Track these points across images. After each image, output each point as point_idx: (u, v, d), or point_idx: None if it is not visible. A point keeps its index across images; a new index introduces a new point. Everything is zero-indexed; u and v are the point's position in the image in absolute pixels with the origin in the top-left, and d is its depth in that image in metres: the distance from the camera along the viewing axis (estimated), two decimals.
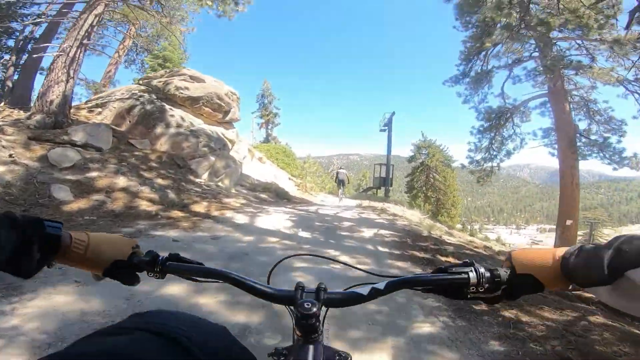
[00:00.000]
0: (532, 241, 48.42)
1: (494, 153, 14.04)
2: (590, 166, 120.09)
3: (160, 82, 10.53)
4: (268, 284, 0.59)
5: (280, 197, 10.76)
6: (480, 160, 14.24)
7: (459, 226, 23.52)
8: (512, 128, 13.84)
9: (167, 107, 9.60)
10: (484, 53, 12.97)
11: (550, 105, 12.88)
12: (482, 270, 0.53)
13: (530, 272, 0.51)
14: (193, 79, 10.88)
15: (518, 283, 0.52)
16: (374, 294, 0.54)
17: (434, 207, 23.87)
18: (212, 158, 9.10)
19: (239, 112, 12.53)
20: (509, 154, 14.04)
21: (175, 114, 9.52)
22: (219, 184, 8.94)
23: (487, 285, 0.52)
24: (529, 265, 0.51)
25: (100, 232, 0.62)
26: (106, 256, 0.58)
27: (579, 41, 11.10)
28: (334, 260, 0.73)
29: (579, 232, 15.63)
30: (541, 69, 11.55)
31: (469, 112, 15.18)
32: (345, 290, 0.56)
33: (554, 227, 13.20)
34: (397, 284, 0.55)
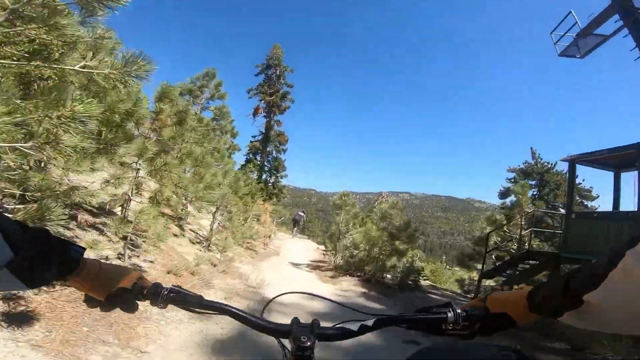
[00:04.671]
0: None
1: None
2: None
3: None
4: (262, 316, 0.65)
5: None
6: None
7: None
8: None
9: None
10: None
11: None
12: (458, 310, 0.61)
13: (503, 311, 0.61)
14: None
15: (491, 321, 0.61)
16: (363, 330, 0.61)
17: None
18: None
19: None
20: None
21: None
22: None
23: (463, 323, 0.61)
24: (501, 305, 0.61)
25: (110, 262, 0.71)
26: (112, 283, 0.61)
27: None
28: (329, 300, 0.79)
29: None
30: None
31: None
32: (335, 325, 0.62)
33: None
34: (384, 321, 0.62)
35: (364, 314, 0.64)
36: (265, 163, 25.46)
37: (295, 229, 15.63)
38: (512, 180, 22.61)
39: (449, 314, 0.60)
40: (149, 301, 0.63)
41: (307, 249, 13.94)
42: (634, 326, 0.45)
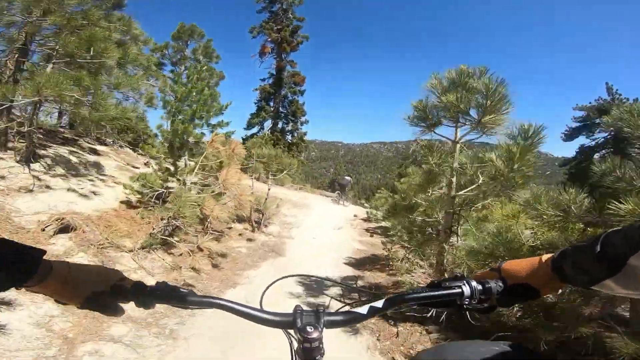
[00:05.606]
0: None
1: None
2: None
3: None
4: (261, 306, 0.60)
5: None
6: None
7: None
8: None
9: None
10: None
11: None
12: (474, 283, 0.58)
13: (523, 282, 0.56)
14: None
15: (510, 293, 0.57)
16: (373, 312, 0.57)
17: None
18: None
19: None
20: None
21: None
22: None
23: (480, 296, 0.58)
24: (520, 275, 0.56)
25: (82, 262, 0.62)
26: (86, 286, 0.57)
27: None
28: (330, 281, 0.84)
29: None
30: None
31: None
32: (341, 310, 0.59)
33: None
34: (395, 301, 0.59)
35: (372, 293, 0.49)
36: (281, 109, 23.07)
37: (340, 194, 13.67)
38: (582, 119, 20.14)
39: (465, 288, 0.58)
40: (133, 302, 0.59)
41: (342, 225, 9.13)
42: None
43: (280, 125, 23.26)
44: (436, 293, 0.58)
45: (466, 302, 0.57)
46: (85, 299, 0.56)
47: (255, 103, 22.92)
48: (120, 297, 0.58)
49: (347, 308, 0.59)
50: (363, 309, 0.57)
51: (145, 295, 0.57)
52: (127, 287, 0.58)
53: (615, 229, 0.46)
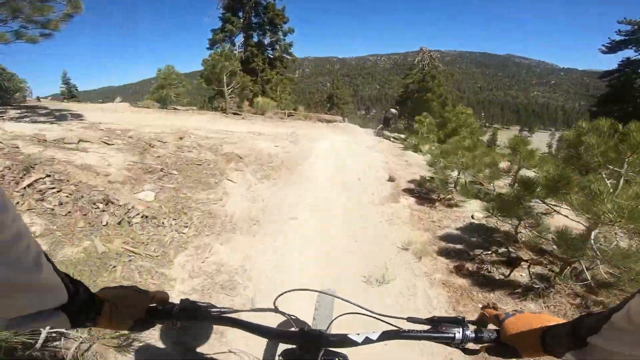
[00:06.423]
0: None
1: None
2: None
3: None
4: (274, 306, 0.73)
5: None
6: None
7: None
8: None
9: None
10: None
11: None
12: (468, 332, 0.63)
13: (512, 344, 0.61)
14: None
15: (498, 349, 0.63)
16: (366, 342, 0.64)
17: None
18: None
19: None
20: None
21: None
22: None
23: (471, 342, 0.63)
24: (515, 338, 0.60)
25: (114, 289, 0.67)
26: (127, 318, 0.64)
27: None
28: (349, 302, 0.74)
29: None
30: None
31: None
32: (341, 333, 0.67)
33: None
34: (391, 335, 0.66)
35: (383, 322, 0.69)
36: (254, 19, 19.67)
37: (383, 127, 12.33)
38: (627, 32, 20.67)
39: (457, 335, 0.62)
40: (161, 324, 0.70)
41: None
42: None
43: (255, 38, 20.23)
44: (432, 335, 0.64)
45: (455, 345, 0.63)
46: (130, 328, 0.66)
47: (220, 17, 19.38)
48: (153, 321, 0.68)
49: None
50: (359, 338, 0.64)
51: (173, 318, 0.68)
52: (157, 307, 0.69)
53: (597, 312, 0.51)
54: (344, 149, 7.95)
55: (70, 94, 31.02)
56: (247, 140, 7.05)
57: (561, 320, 0.59)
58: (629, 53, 21.31)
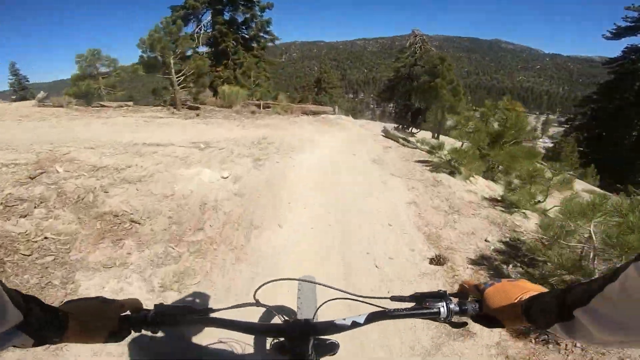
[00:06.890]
0: None
1: None
2: None
3: None
4: (255, 299, 0.73)
5: None
6: None
7: None
8: None
9: None
10: None
11: None
12: (452, 306, 0.64)
13: (494, 315, 0.61)
14: None
15: (482, 319, 0.64)
16: (354, 325, 0.65)
17: None
18: None
19: None
20: None
21: None
22: None
23: (455, 315, 0.64)
24: (496, 308, 0.61)
25: (77, 301, 0.63)
26: (100, 330, 0.61)
27: None
28: (331, 287, 0.74)
29: None
30: None
31: None
32: (328, 320, 0.67)
33: None
34: (377, 315, 0.67)
35: (368, 303, 0.70)
36: None
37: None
38: (633, 19, 20.43)
39: (442, 310, 0.64)
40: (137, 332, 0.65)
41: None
42: (622, 343, 0.43)
43: (226, 15, 16.81)
44: (416, 312, 0.65)
45: (442, 319, 0.64)
46: (105, 340, 0.61)
47: None
48: (126, 331, 0.64)
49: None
50: (347, 321, 0.65)
51: (148, 324, 0.64)
52: (129, 317, 0.65)
53: (586, 281, 0.48)
54: (338, 171, 5.19)
55: (21, 85, 29.43)
56: (172, 167, 4.06)
57: (541, 288, 0.59)
58: (635, 40, 21.69)
